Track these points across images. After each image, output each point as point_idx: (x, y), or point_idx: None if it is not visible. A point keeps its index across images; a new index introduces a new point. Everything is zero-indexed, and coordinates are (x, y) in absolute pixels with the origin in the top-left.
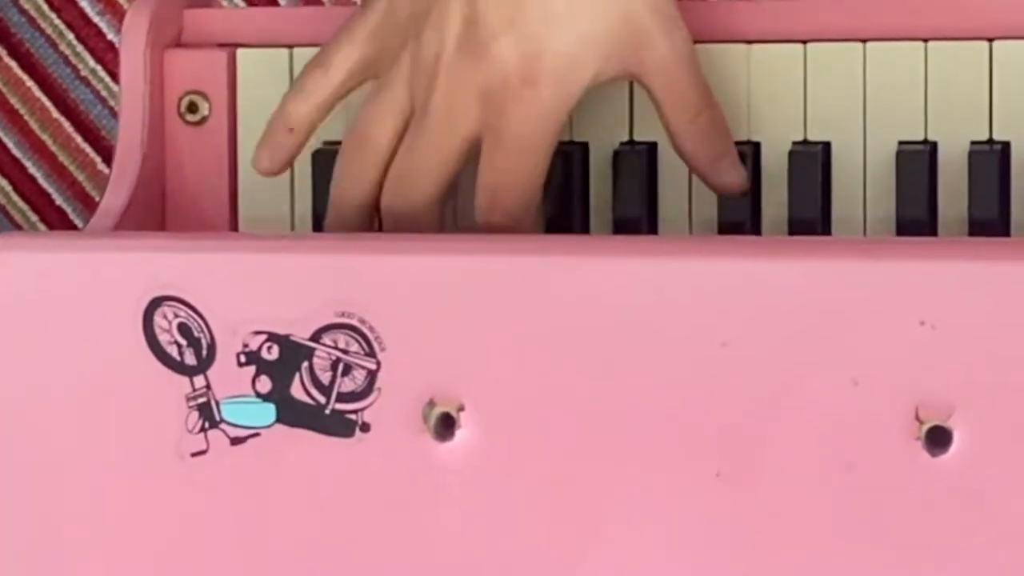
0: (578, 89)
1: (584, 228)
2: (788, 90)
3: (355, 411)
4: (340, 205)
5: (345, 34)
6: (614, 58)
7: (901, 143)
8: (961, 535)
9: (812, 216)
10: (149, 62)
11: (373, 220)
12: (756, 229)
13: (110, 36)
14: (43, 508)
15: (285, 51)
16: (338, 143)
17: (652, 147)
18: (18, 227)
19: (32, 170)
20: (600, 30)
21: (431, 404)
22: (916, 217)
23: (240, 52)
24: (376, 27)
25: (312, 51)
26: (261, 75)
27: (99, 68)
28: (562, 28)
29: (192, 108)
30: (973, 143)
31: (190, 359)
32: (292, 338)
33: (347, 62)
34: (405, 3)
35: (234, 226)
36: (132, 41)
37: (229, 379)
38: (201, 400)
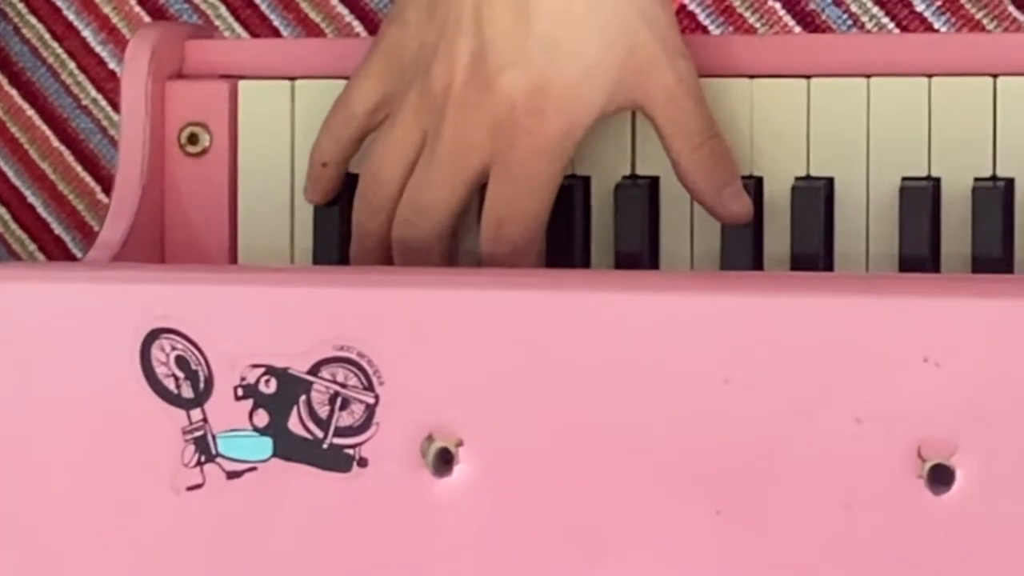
0: (585, 121)
1: (585, 262)
2: (791, 125)
3: (353, 446)
4: (360, 238)
5: (362, 71)
6: (620, 89)
7: (904, 179)
8: (964, 574)
9: (815, 252)
10: (150, 93)
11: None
12: (758, 265)
13: (112, 66)
14: (37, 539)
15: (287, 83)
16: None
17: (654, 181)
18: (16, 256)
19: (31, 199)
20: (606, 62)
21: (430, 439)
22: (919, 254)
23: (242, 84)
24: (389, 61)
25: (314, 83)
26: (263, 107)
27: (100, 98)
28: (568, 61)
29: (193, 139)
30: (977, 180)
31: (187, 392)
32: (290, 371)
33: (365, 101)
34: (414, 36)
35: (233, 259)
36: (134, 71)
37: (226, 412)
38: (197, 433)
